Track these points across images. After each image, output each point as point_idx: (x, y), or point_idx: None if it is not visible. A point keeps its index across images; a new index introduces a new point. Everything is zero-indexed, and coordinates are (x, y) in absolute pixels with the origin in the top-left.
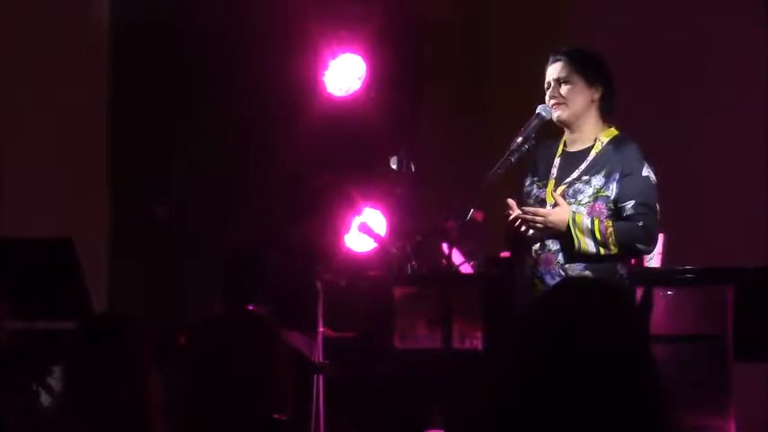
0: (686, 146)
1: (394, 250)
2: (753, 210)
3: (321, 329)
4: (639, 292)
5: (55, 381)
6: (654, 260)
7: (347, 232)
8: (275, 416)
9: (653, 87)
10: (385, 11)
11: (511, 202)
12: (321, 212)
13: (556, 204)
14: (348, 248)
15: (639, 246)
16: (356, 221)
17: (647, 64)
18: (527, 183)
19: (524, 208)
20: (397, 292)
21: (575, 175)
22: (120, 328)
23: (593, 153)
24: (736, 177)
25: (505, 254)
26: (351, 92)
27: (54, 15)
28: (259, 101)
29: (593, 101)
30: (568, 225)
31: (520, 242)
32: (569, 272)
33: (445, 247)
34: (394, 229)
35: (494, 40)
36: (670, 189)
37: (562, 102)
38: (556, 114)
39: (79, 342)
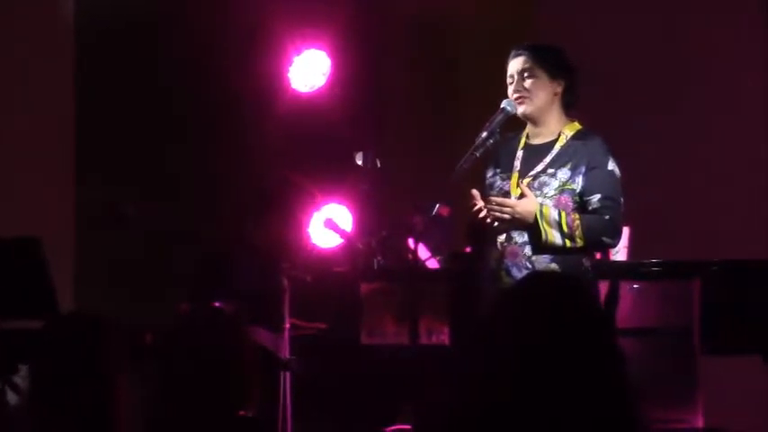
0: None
1: (360, 246)
2: (736, 204)
3: (289, 323)
4: (604, 286)
5: (21, 379)
6: (620, 254)
7: (309, 227)
8: (242, 412)
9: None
10: (349, 6)
11: (475, 192)
12: (280, 209)
13: (522, 196)
14: (314, 244)
15: (605, 239)
16: (318, 216)
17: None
18: (489, 174)
19: (491, 198)
20: (364, 287)
21: (539, 168)
22: (89, 327)
23: (557, 146)
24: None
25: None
26: (315, 88)
27: (19, 12)
28: (224, 97)
29: (555, 94)
30: (536, 217)
31: (482, 235)
32: (536, 264)
33: (411, 242)
34: (360, 225)
35: (461, 36)
36: (649, 183)
37: (526, 96)
38: (521, 110)
39: (46, 341)
